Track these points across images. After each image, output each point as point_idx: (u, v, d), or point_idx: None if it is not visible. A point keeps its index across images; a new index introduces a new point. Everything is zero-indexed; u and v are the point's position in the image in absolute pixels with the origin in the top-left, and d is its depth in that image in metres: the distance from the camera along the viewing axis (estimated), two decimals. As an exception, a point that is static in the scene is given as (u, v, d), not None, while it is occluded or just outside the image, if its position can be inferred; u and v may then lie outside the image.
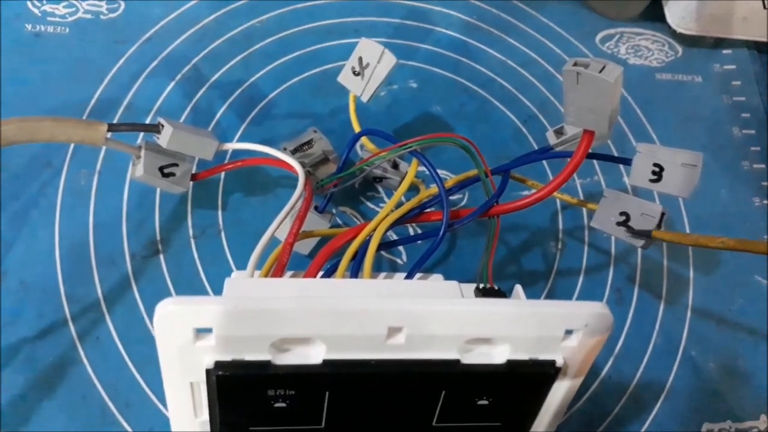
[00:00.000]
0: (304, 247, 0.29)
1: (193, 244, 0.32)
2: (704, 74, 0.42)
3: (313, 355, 0.19)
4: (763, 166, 0.39)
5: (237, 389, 0.20)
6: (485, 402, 0.21)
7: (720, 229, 0.37)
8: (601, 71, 0.23)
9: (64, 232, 0.31)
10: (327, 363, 0.19)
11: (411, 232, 0.33)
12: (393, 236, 0.29)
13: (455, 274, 0.33)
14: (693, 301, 0.34)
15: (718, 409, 0.32)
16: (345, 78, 0.30)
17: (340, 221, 0.33)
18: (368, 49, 0.30)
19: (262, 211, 0.33)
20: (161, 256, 0.31)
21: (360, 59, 0.30)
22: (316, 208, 0.30)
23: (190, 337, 0.19)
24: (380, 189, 0.34)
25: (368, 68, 0.30)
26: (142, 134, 0.32)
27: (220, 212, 0.33)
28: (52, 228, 0.31)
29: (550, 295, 0.33)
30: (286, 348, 0.19)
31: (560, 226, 0.35)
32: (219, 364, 0.19)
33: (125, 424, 0.28)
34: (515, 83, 0.39)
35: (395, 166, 0.33)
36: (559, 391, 0.22)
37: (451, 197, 0.35)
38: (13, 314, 0.29)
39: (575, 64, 0.23)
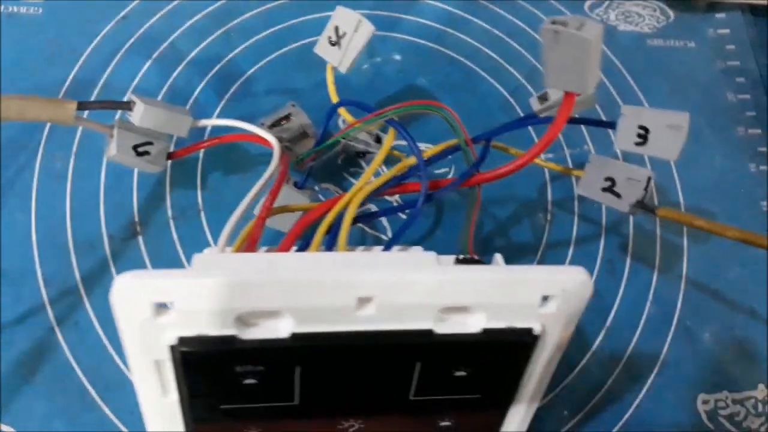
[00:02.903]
0: (283, 223, 0.28)
1: (172, 225, 0.31)
2: (697, 39, 0.40)
3: (281, 328, 0.19)
4: (759, 131, 0.38)
5: (203, 366, 0.19)
6: (463, 373, 0.20)
7: (715, 197, 0.36)
8: (579, 29, 0.22)
9: (41, 215, 0.31)
10: (296, 336, 0.19)
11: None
12: (373, 208, 0.28)
13: (442, 248, 0.32)
14: (688, 270, 0.33)
15: (714, 380, 0.31)
16: (321, 48, 0.30)
17: (322, 198, 0.33)
18: (344, 17, 0.29)
19: (242, 189, 0.31)
20: (140, 238, 0.31)
21: (336, 28, 0.29)
22: (295, 184, 0.29)
23: (150, 312, 0.18)
24: (363, 164, 0.34)
25: (345, 38, 0.29)
26: (119, 113, 0.32)
27: (199, 192, 0.32)
28: (28, 212, 0.31)
29: (540, 268, 0.32)
30: (252, 322, 0.19)
31: (549, 197, 0.34)
32: (183, 340, 0.18)
33: (105, 408, 0.27)
34: (502, 53, 0.38)
35: (378, 140, 0.32)
36: (540, 361, 0.21)
37: (437, 170, 0.34)
38: (-10, 299, 0.28)
39: (554, 23, 0.22)
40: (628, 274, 0.33)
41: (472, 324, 0.20)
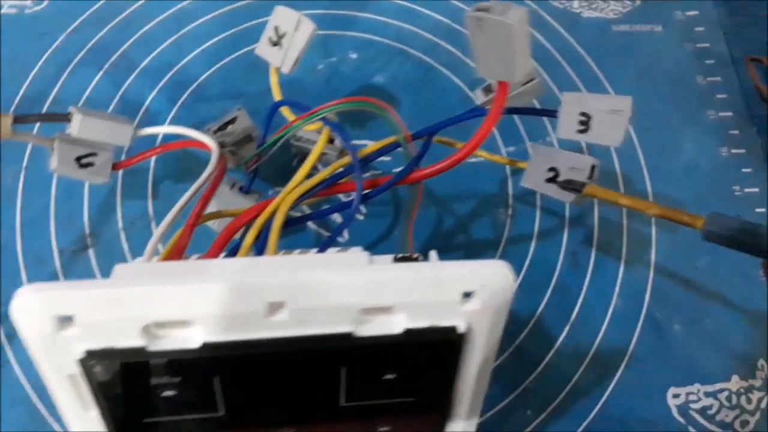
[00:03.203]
0: (222, 227, 0.28)
1: (122, 236, 0.31)
2: (665, 23, 0.39)
3: (191, 338, 0.18)
4: (730, 113, 0.37)
5: (114, 380, 0.18)
6: (392, 376, 0.20)
7: (685, 182, 0.35)
8: (502, 14, 0.21)
9: (-9, 232, 0.30)
10: (207, 346, 0.18)
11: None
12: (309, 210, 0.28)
13: (398, 248, 0.31)
14: (656, 260, 0.32)
15: (685, 373, 0.30)
16: (262, 49, 0.29)
17: (277, 202, 0.32)
18: (284, 17, 0.28)
19: (194, 198, 0.32)
20: (90, 251, 0.30)
21: (276, 28, 0.28)
22: (241, 188, 0.29)
23: (52, 326, 0.17)
24: (318, 165, 0.33)
25: (285, 37, 0.28)
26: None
27: (150, 201, 0.32)
28: (-22, 229, 0.30)
29: (501, 264, 0.31)
30: (161, 333, 0.18)
31: (510, 191, 0.33)
32: (90, 354, 0.18)
33: (55, 425, 0.27)
34: (461, 47, 0.37)
35: (331, 140, 0.31)
36: (474, 360, 0.20)
37: (396, 168, 0.33)
38: (-62, 318, 0.28)
39: (478, 9, 0.22)
40: (594, 267, 0.32)
41: (394, 325, 0.19)
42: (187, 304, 0.17)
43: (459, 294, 0.18)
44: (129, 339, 0.18)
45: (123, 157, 0.31)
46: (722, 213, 0.23)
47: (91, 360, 0.18)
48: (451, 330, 0.19)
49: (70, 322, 0.18)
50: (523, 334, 0.30)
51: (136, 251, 0.30)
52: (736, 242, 0.21)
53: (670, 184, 0.34)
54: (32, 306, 0.17)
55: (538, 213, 0.33)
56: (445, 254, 0.32)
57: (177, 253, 0.22)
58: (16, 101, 0.33)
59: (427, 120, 0.33)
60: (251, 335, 0.18)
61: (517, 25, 0.20)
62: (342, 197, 0.30)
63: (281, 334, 0.18)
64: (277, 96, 0.29)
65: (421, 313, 0.19)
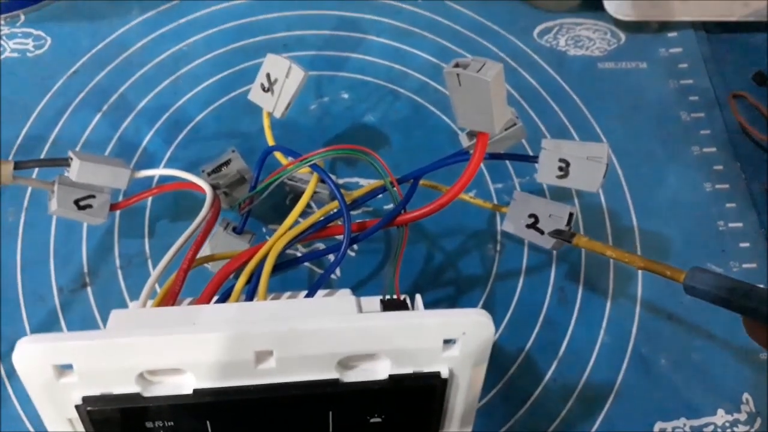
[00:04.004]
0: (216, 268, 0.29)
1: (120, 274, 0.31)
2: (649, 60, 0.41)
3: (184, 384, 0.19)
4: (714, 149, 0.38)
5: (111, 424, 0.19)
6: (378, 419, 0.20)
7: (671, 217, 0.35)
8: (479, 70, 0.22)
9: (-8, 270, 0.31)
10: (198, 392, 0.19)
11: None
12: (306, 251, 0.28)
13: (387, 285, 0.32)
14: (642, 295, 0.33)
15: (671, 407, 0.31)
16: (255, 95, 0.30)
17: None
18: (275, 64, 0.29)
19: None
20: (89, 289, 0.31)
21: (268, 75, 0.29)
22: (234, 229, 0.29)
23: (52, 374, 0.18)
24: (312, 204, 0.34)
25: (277, 84, 0.29)
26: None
27: (146, 240, 0.32)
28: (-21, 267, 0.31)
29: (489, 299, 0.32)
30: (155, 379, 0.19)
31: (498, 228, 0.34)
32: (87, 400, 0.19)
33: (52, 462, 0.27)
34: (450, 85, 0.38)
35: (323, 180, 0.32)
36: (457, 402, 0.21)
37: (386, 206, 0.34)
38: (-60, 356, 0.29)
39: (456, 65, 0.23)
40: (581, 303, 0.33)
41: (379, 371, 0.20)
42: (180, 353, 0.18)
43: (440, 341, 0.19)
44: (125, 386, 0.19)
45: (120, 198, 0.31)
46: (705, 268, 0.23)
47: (88, 405, 0.19)
48: (435, 375, 0.19)
49: (69, 370, 0.18)
50: (511, 370, 0.31)
51: (133, 289, 0.31)
52: (720, 300, 0.22)
53: (655, 219, 0.35)
54: (33, 356, 0.18)
55: (525, 249, 0.34)
56: (435, 290, 0.33)
57: (171, 297, 0.23)
58: (18, 143, 0.34)
59: (417, 158, 0.34)
60: (241, 382, 0.19)
61: (493, 81, 0.21)
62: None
63: (270, 381, 0.19)
64: (270, 141, 0.30)
65: (404, 360, 0.19)
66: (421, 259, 0.33)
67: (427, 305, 0.24)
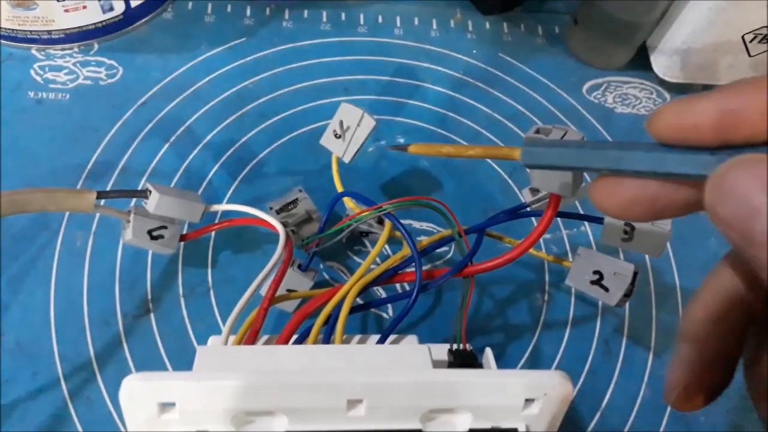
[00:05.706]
0: (288, 304, 0.30)
1: (182, 303, 0.33)
2: (693, 121, 0.42)
3: (276, 426, 0.20)
4: (754, 212, 0.39)
5: (204, 460, 0.20)
6: (452, 469, 0.21)
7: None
8: (563, 138, 0.23)
9: (60, 292, 0.32)
10: (290, 434, 0.20)
11: (398, 288, 0.34)
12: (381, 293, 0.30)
13: (441, 329, 0.33)
14: (683, 352, 0.34)
15: (709, 464, 0.31)
16: (327, 140, 0.31)
17: (327, 276, 0.34)
18: (348, 112, 0.31)
19: (249, 267, 0.34)
20: (152, 315, 0.32)
21: (341, 123, 0.31)
22: (299, 266, 0.31)
23: (154, 410, 0.19)
24: (367, 243, 0.35)
25: (349, 131, 0.31)
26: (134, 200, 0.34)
27: (209, 270, 0.34)
28: (48, 289, 0.32)
29: (537, 348, 0.33)
30: (249, 420, 0.20)
31: (546, 278, 0.35)
32: (186, 437, 0.20)
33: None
34: (502, 136, 0.40)
35: (380, 221, 0.33)
36: (527, 457, 0.22)
37: (437, 250, 0.35)
38: (8, 374, 0.30)
39: (537, 131, 0.24)
40: (624, 355, 0.34)
41: (460, 424, 0.21)
42: (276, 397, 0.19)
43: (522, 400, 0.20)
44: (220, 425, 0.20)
45: (187, 229, 0.33)
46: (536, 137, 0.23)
47: (185, 442, 0.20)
48: (512, 431, 0.20)
49: (170, 407, 0.19)
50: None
51: (195, 318, 0.32)
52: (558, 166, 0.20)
53: (697, 276, 0.36)
54: (140, 393, 0.19)
55: (572, 300, 0.35)
56: (483, 336, 0.34)
57: (252, 335, 0.24)
58: (88, 168, 0.36)
59: (467, 205, 0.35)
60: (331, 427, 0.20)
61: (576, 149, 0.23)
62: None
63: (358, 428, 0.20)
64: (337, 183, 0.31)
65: (485, 415, 0.20)
66: (471, 305, 0.34)
67: (477, 351, 0.26)
